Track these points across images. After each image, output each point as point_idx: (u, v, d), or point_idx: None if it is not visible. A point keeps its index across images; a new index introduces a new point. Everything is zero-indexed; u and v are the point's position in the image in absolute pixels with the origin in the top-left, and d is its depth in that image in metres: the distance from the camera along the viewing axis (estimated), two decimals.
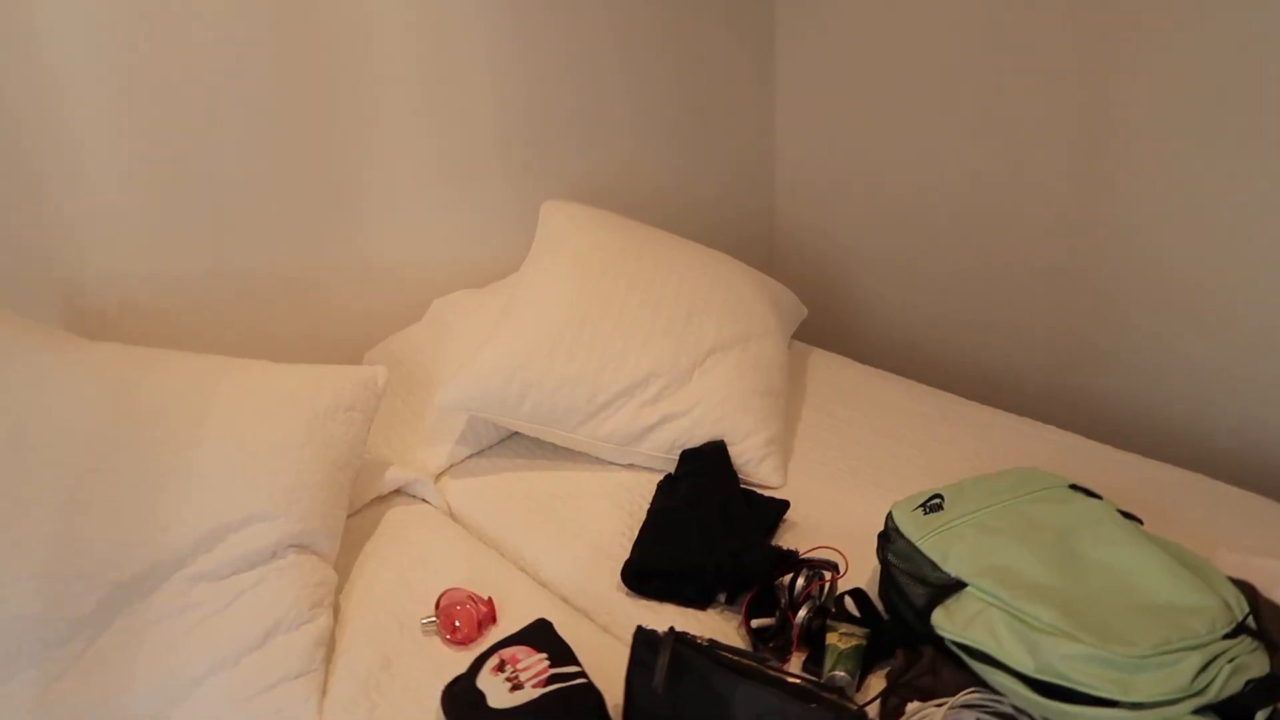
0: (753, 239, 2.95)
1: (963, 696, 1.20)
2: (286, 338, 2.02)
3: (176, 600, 1.35)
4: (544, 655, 1.25)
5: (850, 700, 1.25)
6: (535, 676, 1.21)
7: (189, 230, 1.84)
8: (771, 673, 1.17)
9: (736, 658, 1.19)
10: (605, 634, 1.45)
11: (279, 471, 1.47)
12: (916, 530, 1.36)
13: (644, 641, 1.20)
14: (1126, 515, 1.36)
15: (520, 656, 1.25)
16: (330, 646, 1.42)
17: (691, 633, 1.22)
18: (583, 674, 1.23)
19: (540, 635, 1.30)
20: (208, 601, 1.36)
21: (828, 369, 2.17)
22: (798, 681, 1.16)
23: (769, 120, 2.83)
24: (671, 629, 1.22)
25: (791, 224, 2.95)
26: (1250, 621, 1.16)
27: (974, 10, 2.24)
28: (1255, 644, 1.14)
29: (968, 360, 2.65)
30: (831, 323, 2.96)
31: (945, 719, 1.18)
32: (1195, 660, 1.09)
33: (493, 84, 2.17)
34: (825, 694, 1.14)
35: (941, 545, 1.33)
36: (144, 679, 1.29)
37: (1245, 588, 1.24)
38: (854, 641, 1.33)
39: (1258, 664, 1.11)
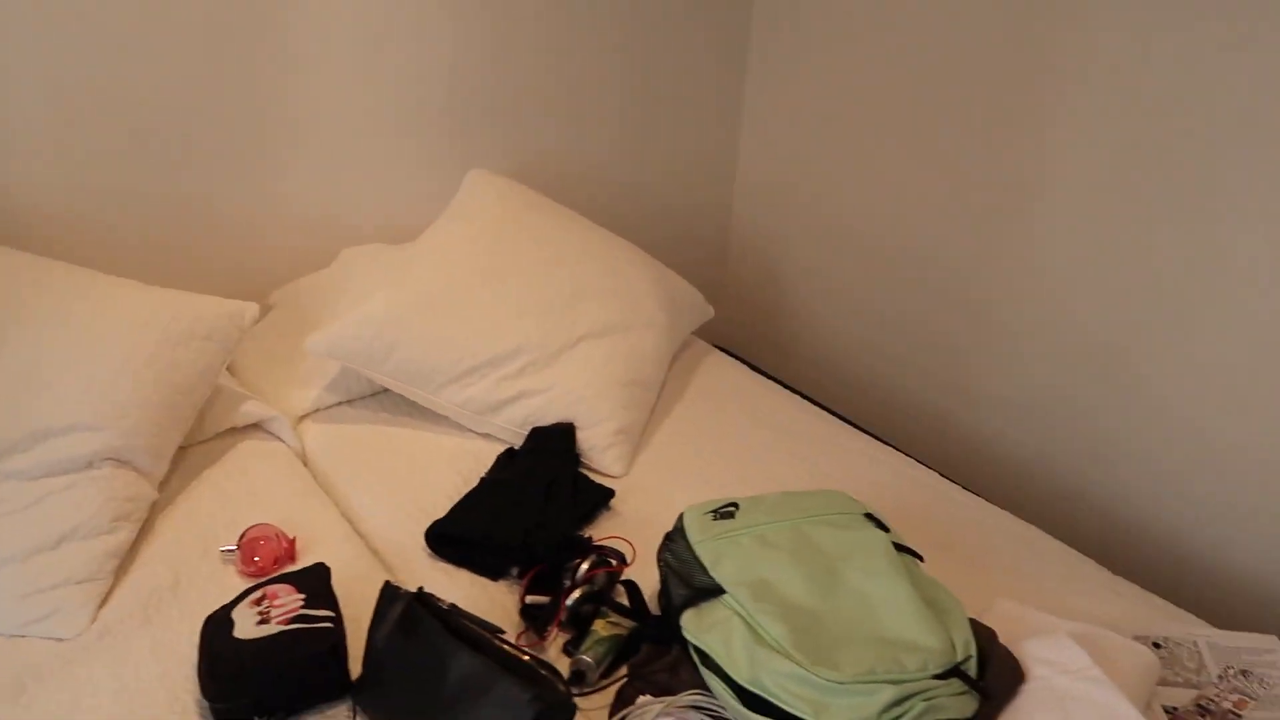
0: (703, 236, 2.96)
1: (684, 697, 1.23)
2: (195, 269, 2.08)
3: None
4: (302, 596, 1.29)
5: (585, 683, 1.28)
6: (284, 613, 1.26)
7: (107, 148, 1.90)
8: (503, 646, 1.20)
9: (473, 626, 1.22)
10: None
11: (113, 386, 1.52)
12: (699, 534, 1.38)
13: (386, 595, 1.24)
14: (907, 550, 1.37)
15: (280, 594, 1.30)
16: (128, 560, 1.47)
17: (440, 598, 1.25)
18: (332, 619, 1.26)
19: (311, 578, 1.34)
20: (12, 499, 1.42)
21: (720, 373, 2.18)
22: (524, 658, 1.19)
23: (734, 115, 2.84)
24: (420, 589, 1.25)
25: (747, 226, 2.96)
26: (969, 667, 1.17)
27: (947, 39, 2.24)
28: (964, 688, 1.15)
29: (884, 389, 2.65)
30: (771, 329, 2.97)
31: (660, 714, 1.20)
32: (890, 694, 1.10)
33: (446, 45, 2.21)
34: (542, 672, 1.17)
35: (717, 551, 1.35)
36: None
37: (985, 635, 1.24)
38: (616, 631, 1.36)
39: (958, 707, 1.13)
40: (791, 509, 1.43)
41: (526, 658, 1.19)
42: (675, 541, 1.40)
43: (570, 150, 2.55)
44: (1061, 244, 2.08)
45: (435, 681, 1.15)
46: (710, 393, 2.08)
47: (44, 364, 1.50)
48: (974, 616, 1.29)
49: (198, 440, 1.76)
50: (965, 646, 1.19)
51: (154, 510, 1.58)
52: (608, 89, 2.53)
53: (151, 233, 2.02)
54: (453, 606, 1.24)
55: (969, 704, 1.14)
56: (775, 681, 1.14)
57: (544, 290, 1.94)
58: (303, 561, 1.50)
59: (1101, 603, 1.49)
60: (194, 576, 1.46)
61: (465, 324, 1.85)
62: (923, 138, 2.33)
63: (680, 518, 1.43)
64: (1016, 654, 1.24)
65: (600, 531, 1.61)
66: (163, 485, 1.62)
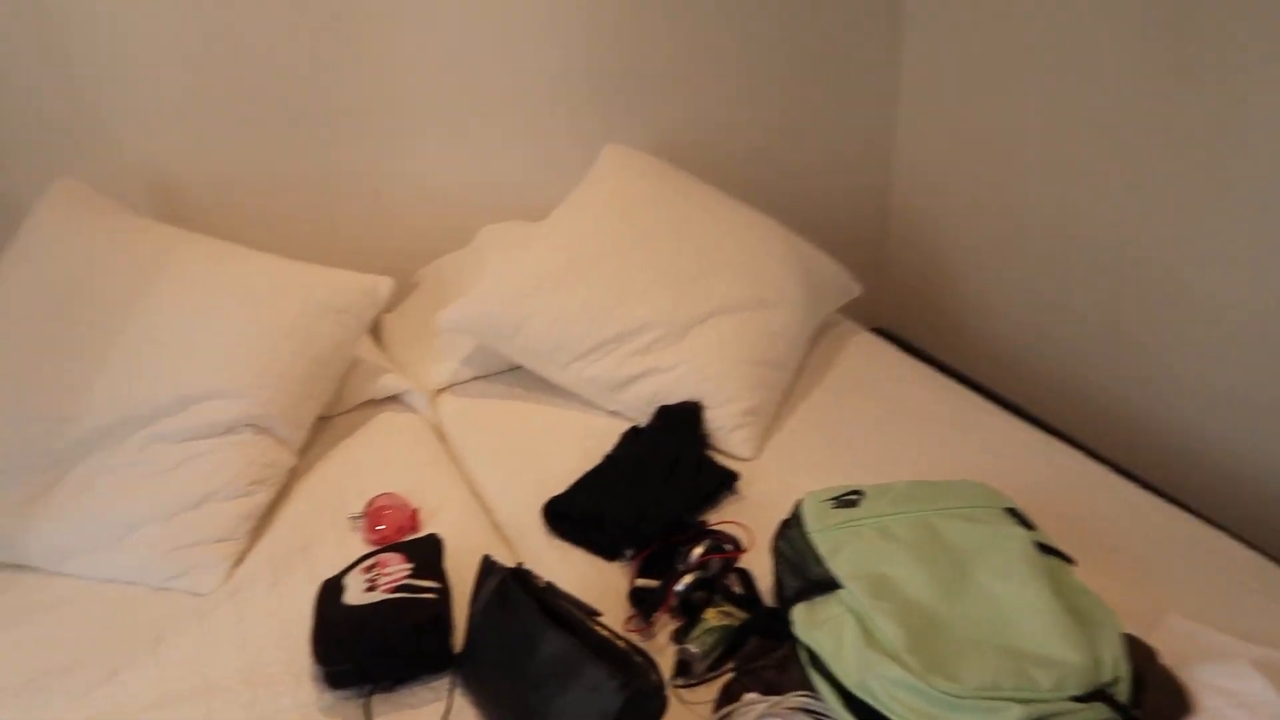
0: (860, 213, 2.81)
1: (790, 698, 1.14)
2: (340, 246, 2.16)
3: (135, 454, 1.50)
4: (410, 565, 1.29)
5: (691, 674, 1.22)
6: (390, 581, 1.26)
7: (255, 127, 1.99)
8: (598, 629, 1.16)
9: (568, 606, 1.18)
10: (511, 563, 1.47)
11: (253, 355, 1.59)
12: (817, 521, 1.29)
13: (485, 570, 1.23)
14: (1054, 552, 1.22)
15: (389, 562, 1.31)
16: (263, 523, 1.53)
17: (538, 575, 1.22)
18: (437, 590, 1.26)
19: (422, 549, 1.35)
20: (160, 460, 1.50)
21: (867, 354, 2.05)
22: (618, 643, 1.14)
23: (891, 89, 2.68)
24: (519, 565, 1.23)
25: (905, 205, 2.79)
26: (1117, 689, 1.03)
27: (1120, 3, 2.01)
28: (1110, 714, 1.00)
29: (1055, 377, 2.43)
30: (934, 312, 2.80)
31: (764, 714, 1.13)
32: (1016, 713, 0.98)
33: (585, 19, 2.18)
34: (636, 658, 1.12)
35: (835, 541, 1.25)
36: (92, 515, 1.45)
37: (1143, 654, 1.09)
38: (727, 621, 1.29)
39: None
40: (921, 499, 1.31)
41: (621, 643, 1.14)
42: (791, 529, 1.31)
43: (716, 126, 2.47)
44: (1263, 221, 1.82)
45: (525, 660, 1.12)
46: (853, 375, 1.96)
47: (191, 333, 1.58)
48: (1134, 633, 1.14)
49: (338, 411, 1.82)
50: (1114, 665, 1.04)
51: (291, 476, 1.64)
52: (756, 62, 2.43)
53: (298, 210, 2.10)
54: (549, 585, 1.21)
55: None
56: (884, 689, 1.04)
57: (674, 264, 1.88)
58: (425, 531, 1.52)
59: None
60: (322, 541, 1.50)
61: (590, 299, 1.82)
62: (1096, 110, 2.10)
63: (798, 504, 1.34)
64: (1184, 680, 1.08)
65: (722, 516, 1.54)
66: (301, 453, 1.68)
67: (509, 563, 1.44)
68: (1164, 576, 1.38)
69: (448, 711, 1.17)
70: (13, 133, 1.82)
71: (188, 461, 1.50)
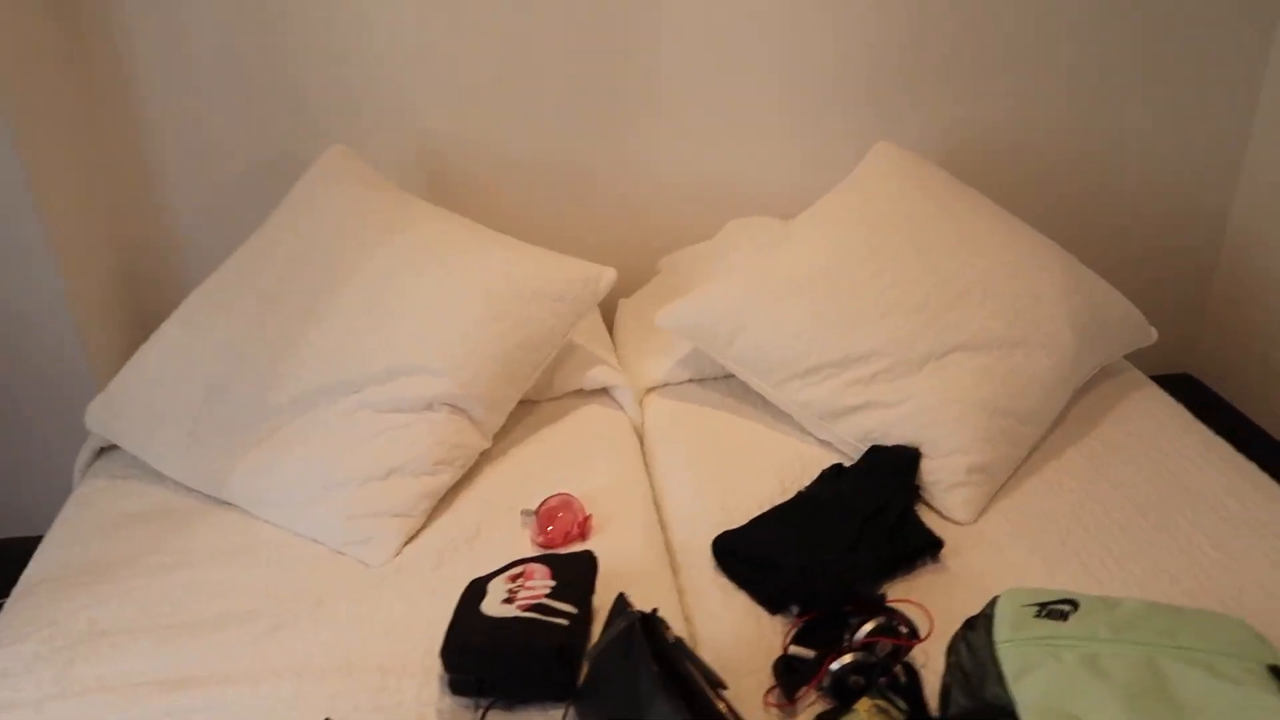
0: (1183, 245, 2.39)
1: None
2: (589, 233, 2.16)
3: (341, 418, 1.56)
4: (553, 584, 1.24)
5: None
6: (529, 598, 1.21)
7: (521, 117, 2.03)
8: (717, 703, 1.04)
9: (693, 669, 1.07)
10: (671, 594, 1.38)
11: (460, 336, 1.60)
12: (1011, 630, 1.08)
13: (616, 608, 1.14)
14: None
15: (534, 575, 1.26)
16: (445, 502, 1.55)
17: (669, 626, 1.12)
18: (572, 616, 1.19)
19: (573, 566, 1.29)
20: (362, 427, 1.55)
21: (1148, 411, 1.72)
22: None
23: (1249, 96, 2.22)
24: (653, 612, 1.13)
25: (1247, 237, 2.32)
26: None
27: None
28: None
29: None
30: (1262, 368, 2.32)
31: None
32: None
33: (865, 13, 2.00)
34: None
35: (1025, 661, 1.03)
36: (294, 470, 1.53)
37: None
38: (882, 718, 1.11)
39: None
40: (1154, 630, 1.05)
41: None
42: (976, 632, 1.10)
43: (1019, 129, 2.18)
44: None
45: (631, 712, 1.02)
46: (1126, 438, 1.65)
47: (410, 307, 1.62)
48: None
49: (545, 397, 1.81)
50: None
51: (483, 458, 1.64)
52: (1060, 52, 2.10)
53: (556, 191, 2.12)
54: (678, 640, 1.10)
55: None
56: None
57: (922, 285, 1.66)
58: (594, 539, 1.47)
59: None
60: (493, 532, 1.49)
61: (821, 315, 1.65)
62: None
63: (992, 602, 1.13)
64: None
65: (913, 587, 1.34)
66: (499, 436, 1.68)
67: (666, 591, 1.36)
68: None
69: None
70: (312, 96, 1.97)
71: (385, 432, 1.54)
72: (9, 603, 1.40)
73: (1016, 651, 1.05)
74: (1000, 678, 1.03)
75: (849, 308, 1.65)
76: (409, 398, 1.57)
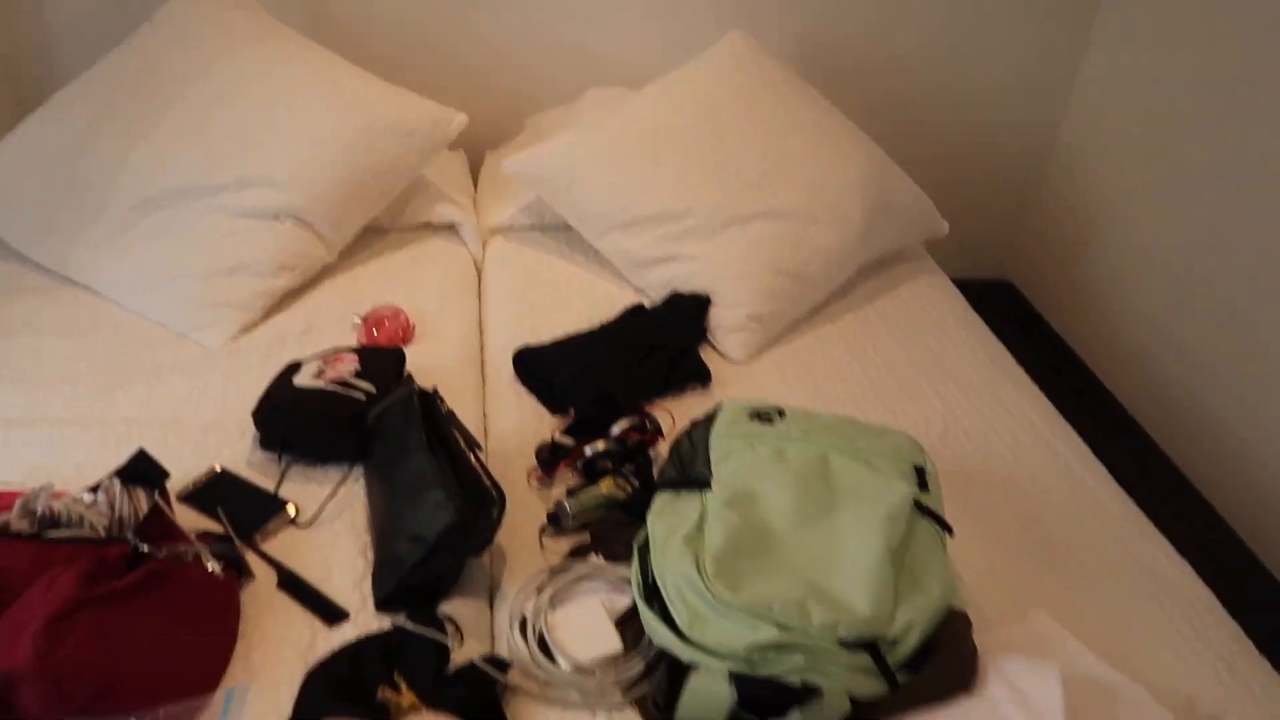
0: (1015, 154, 2.62)
1: (615, 569, 1.20)
2: (464, 84, 2.28)
3: (196, 218, 1.71)
4: (358, 367, 1.43)
5: (559, 527, 1.30)
6: (334, 375, 1.41)
7: None
8: (472, 460, 1.25)
9: (457, 434, 1.28)
10: (476, 395, 1.59)
11: (313, 155, 1.75)
12: (725, 427, 1.31)
13: (405, 383, 1.34)
14: (933, 517, 1.19)
15: (345, 360, 1.45)
16: (282, 303, 1.72)
17: (445, 402, 1.32)
18: (371, 394, 1.39)
19: (382, 357, 1.48)
20: (214, 228, 1.70)
21: (930, 299, 1.95)
22: (483, 478, 1.23)
23: (1086, 16, 2.43)
24: (434, 389, 1.34)
25: (1073, 154, 2.56)
26: (893, 651, 1.01)
27: None
28: (871, 667, 1.00)
29: (1160, 380, 2.23)
30: (1068, 284, 2.60)
31: (578, 576, 1.20)
32: (769, 634, 1.00)
33: None
34: (491, 493, 1.20)
35: (729, 450, 1.26)
36: (150, 259, 1.68)
37: (953, 629, 1.06)
38: (616, 494, 1.35)
39: (853, 681, 0.99)
40: (836, 435, 1.29)
41: (486, 480, 1.23)
42: (699, 428, 1.33)
43: (870, 28, 2.36)
44: None
45: (398, 468, 1.23)
46: (902, 317, 1.88)
47: (267, 124, 1.76)
48: (1009, 624, 1.12)
49: (397, 226, 1.97)
50: (905, 628, 1.03)
51: (326, 271, 1.81)
52: None
53: (428, 39, 2.22)
54: (450, 412, 1.31)
55: (870, 685, 1.00)
56: (674, 582, 1.08)
57: (738, 161, 1.86)
58: (416, 346, 1.66)
59: (1198, 680, 1.17)
60: (322, 332, 1.67)
61: (644, 176, 1.84)
62: None
63: (717, 406, 1.36)
64: (987, 665, 1.05)
65: (678, 405, 1.57)
66: (346, 254, 1.85)
67: (472, 392, 1.57)
68: (1082, 583, 1.30)
69: (332, 494, 1.32)
70: None
71: (234, 235, 1.70)
72: None
73: (723, 442, 1.28)
74: (708, 461, 1.26)
75: (671, 171, 1.84)
76: (258, 206, 1.72)
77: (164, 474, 1.21)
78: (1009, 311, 2.75)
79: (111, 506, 1.13)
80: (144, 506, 1.16)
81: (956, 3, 2.37)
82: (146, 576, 1.05)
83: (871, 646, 1.01)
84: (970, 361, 1.77)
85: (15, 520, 1.07)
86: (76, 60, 2.15)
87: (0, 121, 2.09)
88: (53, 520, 1.08)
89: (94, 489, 1.16)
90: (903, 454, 1.27)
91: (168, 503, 1.19)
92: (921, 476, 1.24)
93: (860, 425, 1.34)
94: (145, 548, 1.08)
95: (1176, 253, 2.20)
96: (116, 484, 1.15)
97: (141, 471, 1.20)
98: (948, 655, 1.04)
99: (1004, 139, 2.59)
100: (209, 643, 1.08)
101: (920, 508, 1.19)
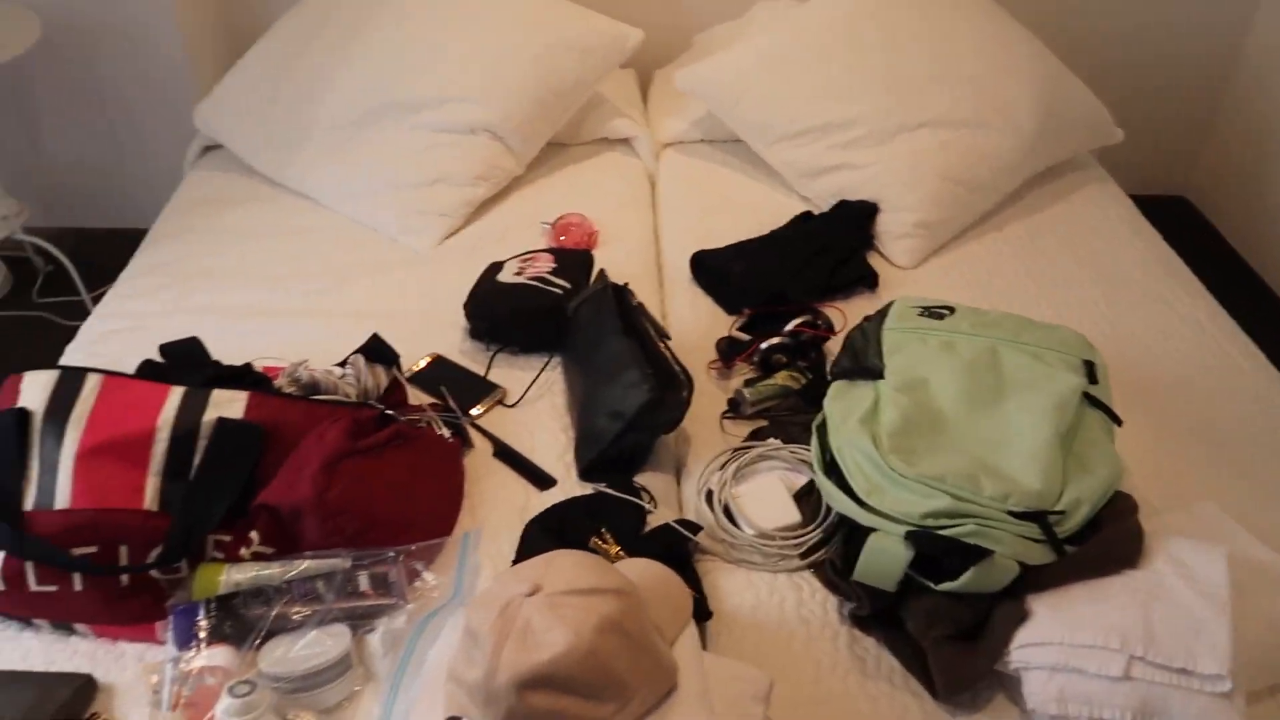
0: (1197, 62, 2.51)
1: (793, 448, 1.31)
2: (634, 9, 2.34)
3: (404, 133, 1.88)
4: (555, 266, 1.57)
5: (738, 412, 1.41)
6: (533, 273, 1.55)
7: None
8: (661, 348, 1.38)
9: (647, 324, 1.41)
10: (655, 295, 1.72)
11: (501, 73, 1.89)
12: (896, 321, 1.39)
13: (599, 278, 1.48)
14: (1102, 408, 1.24)
15: (540, 260, 1.59)
16: (479, 211, 1.88)
17: (634, 295, 1.45)
18: (567, 289, 1.53)
19: (573, 258, 1.62)
20: (417, 142, 1.87)
21: (1103, 210, 1.94)
22: (673, 364, 1.35)
23: None
24: (625, 285, 1.46)
25: (1261, 65, 2.44)
26: (1063, 522, 1.09)
27: None
28: (1040, 536, 1.08)
29: None
30: (1243, 199, 2.50)
31: (761, 454, 1.32)
32: (943, 503, 1.09)
33: None
34: (680, 377, 1.33)
35: (900, 343, 1.35)
36: (364, 171, 1.87)
37: (1121, 508, 1.13)
38: (791, 384, 1.45)
39: (1021, 549, 1.07)
40: (1004, 329, 1.35)
41: (676, 365, 1.36)
42: (870, 322, 1.42)
43: None
44: None
45: (595, 352, 1.37)
46: (1071, 226, 1.88)
47: (462, 45, 1.90)
48: (1171, 509, 1.18)
49: (575, 141, 2.09)
50: (1073, 504, 1.10)
51: (514, 183, 1.96)
52: None
53: None
54: (639, 305, 1.43)
55: (1039, 553, 1.08)
56: (852, 456, 1.18)
57: (907, 69, 1.88)
58: (599, 249, 1.79)
59: None
60: (517, 236, 1.82)
61: (810, 87, 1.90)
62: None
63: (889, 304, 1.43)
64: (1152, 543, 1.11)
65: (852, 308, 1.64)
66: (532, 166, 1.99)
67: (651, 292, 1.69)
68: (1254, 479, 1.33)
69: (536, 377, 1.48)
70: None
71: (434, 148, 1.86)
72: (140, 249, 1.79)
73: (894, 336, 1.36)
74: (879, 353, 1.34)
75: (839, 81, 1.89)
76: (456, 121, 1.87)
77: (396, 355, 1.39)
78: (1185, 226, 2.67)
79: (358, 379, 1.31)
80: (384, 380, 1.34)
81: None
82: (393, 435, 1.22)
83: (1040, 517, 1.08)
84: (1139, 265, 1.77)
85: (285, 385, 1.26)
86: None
87: (217, 57, 2.33)
88: (314, 387, 1.27)
89: (341, 364, 1.34)
90: (1072, 348, 1.32)
91: (401, 379, 1.37)
92: (1090, 370, 1.29)
93: (1028, 321, 1.39)
94: (389, 412, 1.26)
95: None
96: (361, 360, 1.33)
97: (377, 351, 1.38)
98: (1114, 530, 1.10)
99: (1186, 44, 2.48)
100: (443, 495, 1.26)
101: (1089, 399, 1.24)
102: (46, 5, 2.15)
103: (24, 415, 1.11)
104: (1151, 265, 1.77)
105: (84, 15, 2.18)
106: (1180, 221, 2.70)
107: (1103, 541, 1.09)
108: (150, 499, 1.10)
